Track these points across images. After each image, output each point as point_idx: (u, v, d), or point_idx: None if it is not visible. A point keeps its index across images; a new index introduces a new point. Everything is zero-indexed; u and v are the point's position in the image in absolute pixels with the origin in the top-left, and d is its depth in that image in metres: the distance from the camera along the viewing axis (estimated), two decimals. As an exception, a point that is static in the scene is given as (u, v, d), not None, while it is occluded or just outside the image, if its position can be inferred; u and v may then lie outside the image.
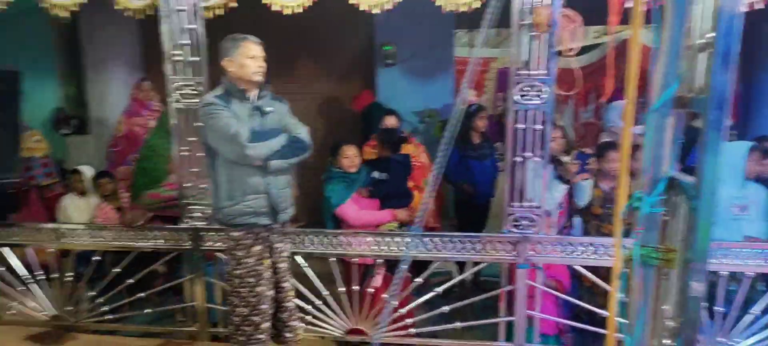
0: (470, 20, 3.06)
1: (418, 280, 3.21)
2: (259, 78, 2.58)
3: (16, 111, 3.75)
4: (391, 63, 5.37)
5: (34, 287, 3.58)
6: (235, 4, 2.95)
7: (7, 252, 3.55)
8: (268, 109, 2.62)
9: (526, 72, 2.80)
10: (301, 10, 2.87)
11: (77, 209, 4.38)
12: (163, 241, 3.36)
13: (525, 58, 2.79)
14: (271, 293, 2.73)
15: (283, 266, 2.82)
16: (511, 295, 3.11)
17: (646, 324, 1.56)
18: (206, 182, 3.15)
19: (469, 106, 4.26)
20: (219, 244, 3.25)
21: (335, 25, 4.98)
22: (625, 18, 2.04)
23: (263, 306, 2.68)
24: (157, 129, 4.28)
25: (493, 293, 3.16)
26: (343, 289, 3.28)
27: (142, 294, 3.47)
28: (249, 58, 2.53)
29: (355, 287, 3.28)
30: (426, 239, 3.08)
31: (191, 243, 3.30)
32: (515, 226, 2.97)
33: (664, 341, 1.47)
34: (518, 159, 2.89)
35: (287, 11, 2.88)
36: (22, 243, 3.57)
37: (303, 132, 2.67)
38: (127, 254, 3.46)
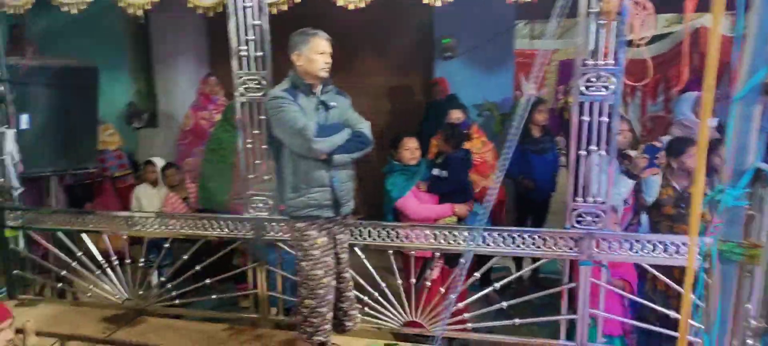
0: (531, 11, 2.99)
1: (476, 275, 3.18)
2: (325, 74, 2.62)
3: (94, 105, 3.99)
4: (450, 56, 5.33)
5: (110, 272, 3.79)
6: (298, 0, 3.01)
7: (86, 238, 3.77)
8: (332, 103, 2.66)
9: (593, 62, 2.70)
10: (363, 5, 2.89)
11: (149, 198, 4.61)
12: (227, 230, 3.48)
13: (592, 48, 2.69)
14: (334, 283, 2.77)
15: (345, 256, 2.87)
16: (572, 293, 3.02)
17: (725, 324, 1.48)
18: (269, 174, 3.25)
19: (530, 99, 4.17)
20: (281, 234, 3.34)
21: (393, 19, 4.99)
22: (702, 4, 1.94)
23: (329, 297, 2.73)
24: (222, 122, 4.43)
25: (554, 290, 3.08)
26: (401, 282, 3.29)
27: (208, 281, 3.61)
28: (318, 53, 2.58)
29: (413, 280, 3.29)
30: (485, 234, 3.03)
31: (254, 232, 3.40)
32: (579, 221, 2.88)
33: (747, 341, 1.39)
34: (583, 153, 2.80)
35: (351, 6, 2.91)
36: (98, 230, 3.79)
37: (365, 127, 2.72)
38: (196, 242, 3.61)
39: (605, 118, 2.73)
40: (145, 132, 5.80)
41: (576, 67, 2.76)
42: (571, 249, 2.92)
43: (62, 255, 3.80)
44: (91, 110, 4.05)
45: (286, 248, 3.35)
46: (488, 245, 3.02)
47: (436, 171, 3.56)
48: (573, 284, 2.99)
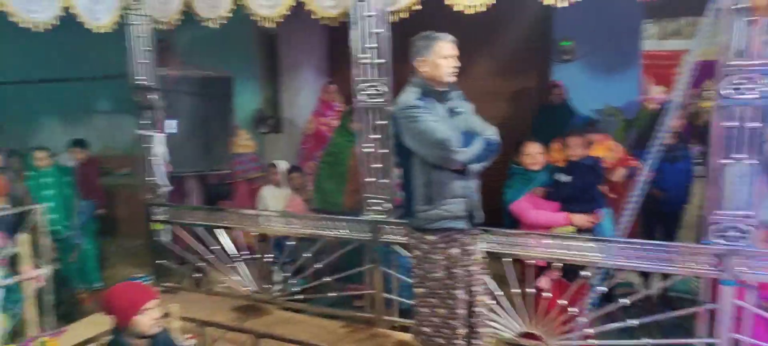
0: (661, 9, 2.78)
1: (602, 289, 3.02)
2: (452, 79, 2.55)
3: (230, 112, 4.36)
4: (569, 58, 5.12)
5: (241, 266, 4.10)
6: (419, 7, 3.06)
7: (221, 233, 4.12)
8: (459, 109, 2.60)
9: (740, 63, 2.46)
10: (484, 9, 2.88)
11: (273, 199, 4.92)
12: (346, 231, 3.62)
13: (739, 47, 2.45)
14: (466, 296, 2.67)
15: (475, 269, 2.74)
16: (711, 314, 2.76)
17: None
18: (387, 179, 3.34)
19: (662, 105, 3.89)
20: (396, 237, 3.41)
21: (510, 21, 4.91)
22: None
23: (460, 311, 2.63)
24: (339, 128, 4.62)
25: (692, 310, 2.84)
26: (518, 290, 3.21)
27: (328, 278, 3.77)
28: (443, 57, 2.51)
29: (531, 290, 3.19)
30: (610, 246, 2.87)
31: (371, 235, 3.50)
32: (720, 237, 2.62)
33: None
34: (726, 161, 2.55)
35: (470, 11, 2.90)
36: (231, 226, 4.12)
37: (493, 133, 2.60)
38: (316, 241, 3.80)
39: (754, 124, 2.48)
40: (270, 137, 6.20)
41: (718, 69, 2.53)
42: (712, 267, 2.67)
43: (200, 248, 4.17)
44: (227, 117, 4.43)
45: (401, 251, 3.42)
46: (615, 258, 2.86)
47: (558, 176, 3.43)
48: (713, 306, 2.73)
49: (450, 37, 2.56)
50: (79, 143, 5.37)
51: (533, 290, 3.17)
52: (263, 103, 6.37)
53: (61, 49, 5.39)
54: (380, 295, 3.56)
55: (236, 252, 4.08)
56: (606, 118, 5.10)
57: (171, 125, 4.16)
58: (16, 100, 6.93)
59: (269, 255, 4.01)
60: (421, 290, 2.70)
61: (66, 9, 3.60)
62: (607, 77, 5.18)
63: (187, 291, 4.33)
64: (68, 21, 3.71)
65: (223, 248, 4.10)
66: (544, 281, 3.23)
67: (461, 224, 2.59)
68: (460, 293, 2.63)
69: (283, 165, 4.98)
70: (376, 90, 3.21)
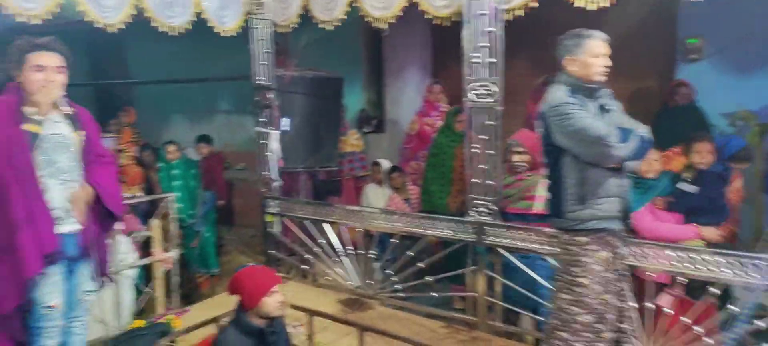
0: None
1: (734, 308, 2.75)
2: (602, 78, 2.45)
3: (339, 112, 4.52)
4: (696, 58, 4.72)
5: (345, 260, 4.23)
6: (535, 4, 2.98)
7: (328, 228, 4.27)
8: (609, 107, 2.50)
9: None
10: (607, 5, 2.74)
11: (376, 196, 5.04)
12: (450, 231, 3.61)
13: None
14: (616, 302, 2.54)
15: (626, 273, 2.62)
16: None
17: None
18: (493, 180, 3.28)
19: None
20: (500, 240, 3.34)
21: (631, 19, 4.61)
22: None
23: (610, 316, 2.51)
24: (443, 128, 4.62)
25: None
26: (635, 305, 3.01)
27: (430, 278, 3.78)
28: (593, 56, 2.41)
29: (649, 305, 2.98)
30: (744, 261, 2.61)
31: (475, 236, 3.46)
32: None
33: None
34: None
35: (591, 6, 2.78)
36: (337, 221, 4.25)
37: (645, 131, 2.46)
38: (419, 240, 3.82)
39: None
40: (373, 137, 6.35)
41: None
42: None
43: (308, 241, 4.36)
44: (335, 116, 4.60)
45: (506, 254, 3.35)
46: (750, 275, 2.59)
47: (683, 185, 3.18)
48: None
49: (602, 35, 2.45)
50: (205, 139, 5.83)
51: (652, 306, 2.97)
52: (367, 104, 6.53)
53: (192, 52, 5.88)
54: (483, 298, 3.51)
55: (341, 247, 4.22)
56: (737, 122, 4.64)
57: (285, 123, 4.39)
58: (152, 98, 7.70)
59: (372, 252, 4.10)
60: (566, 295, 2.54)
61: (198, 14, 3.93)
62: (739, 78, 4.71)
63: (295, 281, 4.54)
64: (198, 25, 4.05)
65: (329, 242, 4.25)
66: (665, 299, 3.00)
67: (614, 225, 2.47)
68: (611, 298, 2.50)
69: (386, 164, 5.07)
70: (487, 90, 3.18)
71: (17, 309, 2.46)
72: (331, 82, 4.51)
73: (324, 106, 4.47)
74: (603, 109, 2.47)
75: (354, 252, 4.17)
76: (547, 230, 3.14)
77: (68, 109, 2.53)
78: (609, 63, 2.43)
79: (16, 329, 2.52)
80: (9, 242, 2.34)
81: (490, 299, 3.51)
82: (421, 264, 3.82)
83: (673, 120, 4.38)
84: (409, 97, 6.12)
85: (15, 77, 2.43)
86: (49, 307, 2.47)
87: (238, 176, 6.77)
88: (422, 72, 6.19)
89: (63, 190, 2.49)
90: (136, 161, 5.30)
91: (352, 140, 5.49)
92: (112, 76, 7.67)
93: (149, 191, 5.03)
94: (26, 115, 2.38)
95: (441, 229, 3.66)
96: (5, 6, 2.96)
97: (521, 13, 3.05)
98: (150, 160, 5.20)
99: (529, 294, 3.30)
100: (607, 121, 2.42)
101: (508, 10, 3.07)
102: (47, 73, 2.41)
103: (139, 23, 3.58)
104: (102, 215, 2.64)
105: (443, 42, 5.88)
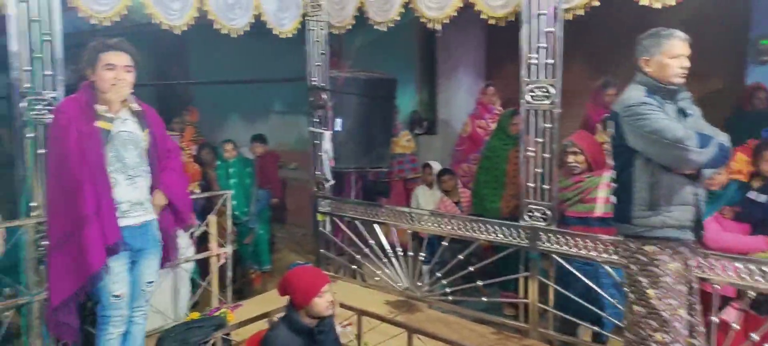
0: None
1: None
2: (680, 80, 2.35)
3: (392, 114, 4.53)
4: (768, 60, 4.46)
5: (394, 261, 4.23)
6: (597, 3, 2.89)
7: (377, 229, 4.28)
8: (690, 111, 2.39)
9: None
10: (673, 3, 2.62)
11: (426, 199, 5.01)
12: (502, 236, 3.54)
13: None
14: (688, 316, 2.43)
15: (696, 286, 2.51)
16: None
17: None
18: (549, 184, 3.20)
19: None
20: (555, 246, 3.25)
21: (698, 19, 4.40)
22: None
23: (684, 332, 2.40)
24: (497, 131, 4.54)
25: None
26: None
27: (480, 282, 3.73)
28: (672, 57, 2.32)
29: (714, 319, 2.82)
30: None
31: (528, 242, 3.39)
32: None
33: None
34: None
35: (656, 4, 2.67)
36: (386, 222, 4.25)
37: (725, 139, 2.34)
38: (470, 244, 3.77)
39: None
40: (425, 138, 6.33)
41: None
42: None
43: (358, 241, 4.38)
44: (389, 118, 4.61)
45: (561, 260, 3.25)
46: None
47: (752, 194, 3.00)
48: None
49: (682, 35, 2.35)
50: (260, 138, 5.97)
51: (716, 320, 2.81)
52: (419, 105, 6.52)
53: (248, 53, 6.05)
54: (535, 305, 3.43)
55: (390, 248, 4.22)
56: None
57: (338, 124, 4.43)
58: (211, 98, 7.97)
59: (422, 254, 4.08)
60: (640, 308, 2.43)
61: (257, 16, 4.03)
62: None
63: (344, 280, 4.57)
64: (255, 27, 4.15)
65: (378, 243, 4.26)
66: (731, 313, 2.84)
67: (687, 235, 2.36)
68: (684, 313, 2.39)
69: (437, 166, 5.04)
70: (544, 92, 3.10)
71: (73, 298, 2.56)
72: (385, 83, 4.52)
73: (377, 107, 4.48)
74: (682, 112, 2.36)
75: (403, 254, 4.17)
76: (608, 237, 3.04)
77: (136, 107, 2.66)
78: (687, 64, 2.32)
79: (72, 317, 2.63)
80: (74, 233, 2.46)
81: (543, 306, 3.42)
82: (471, 268, 3.78)
83: (748, 125, 4.14)
84: (461, 99, 6.07)
85: (88, 76, 2.57)
86: (117, 296, 2.60)
87: (290, 175, 6.91)
88: (475, 74, 6.13)
89: (129, 185, 2.61)
90: (195, 159, 5.49)
91: (403, 142, 5.49)
92: (174, 77, 8.00)
93: (206, 187, 5.19)
94: (98, 112, 2.51)
95: (493, 233, 3.60)
96: (78, 8, 3.13)
97: (582, 12, 2.95)
98: (209, 158, 5.37)
99: (588, 304, 3.19)
100: (690, 125, 2.31)
101: (568, 10, 2.99)
102: (117, 71, 2.53)
103: (200, 25, 3.70)
104: (172, 211, 2.83)
105: (497, 43, 5.80)
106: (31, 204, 3.00)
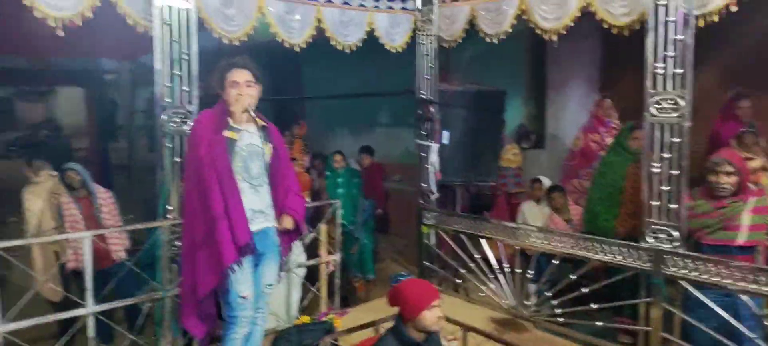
0: None
1: None
2: None
3: (500, 126, 4.45)
4: None
5: (501, 278, 4.12)
6: (735, 8, 2.65)
7: (484, 243, 4.21)
8: None
9: None
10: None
11: (533, 215, 4.84)
12: (620, 257, 3.33)
13: None
14: None
15: None
16: None
17: None
18: (677, 203, 2.97)
19: None
20: (683, 271, 3.00)
21: None
22: None
23: None
24: (615, 145, 4.29)
25: None
26: None
27: (594, 306, 3.52)
28: None
29: None
30: None
31: (651, 265, 3.16)
32: None
33: None
34: None
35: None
36: (492, 237, 4.15)
37: None
38: (582, 264, 3.59)
39: None
40: (532, 152, 6.14)
41: None
42: None
43: (462, 255, 4.33)
44: (496, 131, 4.54)
45: (690, 287, 2.99)
46: None
47: None
48: None
49: None
50: (367, 150, 6.13)
51: None
52: (526, 119, 6.35)
53: (356, 68, 6.26)
54: (658, 334, 3.18)
55: (496, 263, 4.12)
56: None
57: (444, 136, 4.44)
58: (321, 112, 8.35)
59: (529, 271, 3.94)
60: None
61: (369, 32, 4.17)
62: None
63: (447, 294, 4.53)
64: (365, 42, 4.28)
65: (484, 258, 4.18)
66: None
67: None
68: None
69: (546, 182, 4.87)
70: (673, 104, 2.89)
71: (212, 294, 2.82)
72: (493, 95, 4.47)
73: (485, 120, 4.44)
74: None
75: (510, 270, 4.05)
76: (749, 265, 2.76)
77: (261, 122, 2.85)
78: None
79: (210, 312, 2.90)
80: (209, 234, 2.69)
81: (667, 336, 3.16)
82: (583, 289, 3.58)
83: None
84: (572, 112, 5.83)
85: (219, 94, 2.81)
86: (243, 297, 2.78)
87: (394, 187, 7.01)
88: (588, 85, 5.86)
89: (253, 193, 2.81)
90: (306, 170, 5.75)
91: (509, 155, 5.37)
92: (288, 93, 8.46)
93: (315, 196, 5.41)
94: (227, 124, 2.73)
95: (609, 253, 3.40)
96: (212, 29, 3.42)
97: (716, 18, 2.72)
98: (319, 168, 5.60)
99: (722, 338, 2.90)
100: None
101: (701, 16, 2.77)
102: (240, 87, 2.76)
103: (312, 42, 3.89)
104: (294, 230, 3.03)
105: (614, 53, 5.51)
106: (168, 207, 3.30)
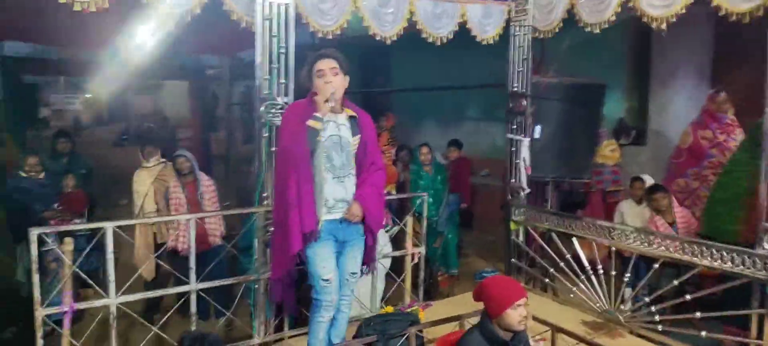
0: None
1: None
2: None
3: (596, 121, 4.23)
4: None
5: (593, 279, 3.93)
6: None
7: (575, 242, 4.03)
8: None
9: None
10: None
11: (633, 215, 4.57)
12: (730, 263, 3.07)
13: None
14: None
15: None
16: None
17: None
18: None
19: None
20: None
21: None
22: None
23: None
24: (745, 143, 3.93)
25: None
26: None
27: (699, 315, 3.27)
28: None
29: None
30: None
31: (766, 273, 2.88)
32: None
33: None
34: None
35: None
36: (584, 236, 3.96)
37: None
38: (687, 269, 3.34)
39: None
40: (632, 149, 5.79)
41: None
42: None
43: (552, 253, 4.17)
44: (593, 126, 4.32)
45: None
46: None
47: None
48: None
49: None
50: (455, 143, 6.07)
51: None
52: (627, 113, 6.00)
53: (444, 61, 6.21)
54: (772, 349, 2.89)
55: (588, 264, 3.93)
56: None
57: (536, 131, 4.30)
58: (409, 105, 8.38)
59: (627, 275, 3.73)
60: None
61: (461, 24, 4.11)
62: None
63: (535, 293, 4.40)
64: (455, 34, 4.22)
65: (576, 258, 4.01)
66: None
67: None
68: None
69: (649, 180, 4.57)
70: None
71: (288, 275, 2.95)
72: (591, 89, 4.25)
73: (581, 114, 4.23)
74: None
75: (603, 272, 3.86)
76: None
77: (352, 113, 2.89)
78: None
79: (288, 293, 3.03)
80: (284, 219, 2.80)
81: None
82: (687, 296, 3.34)
83: None
84: (678, 107, 5.43)
85: (309, 87, 2.89)
86: (326, 280, 2.87)
87: (480, 182, 6.89)
88: (698, 78, 5.42)
89: (336, 183, 2.85)
90: (393, 162, 5.79)
91: (606, 151, 5.09)
92: (377, 86, 8.58)
93: (399, 188, 5.44)
94: (313, 115, 2.78)
95: (718, 259, 3.14)
96: (309, 23, 3.54)
97: None
98: (405, 160, 5.62)
99: None
100: None
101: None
102: (325, 75, 2.81)
103: (402, 35, 3.90)
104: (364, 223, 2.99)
105: (728, 43, 5.05)
106: (263, 194, 3.47)
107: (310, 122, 2.76)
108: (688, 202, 4.51)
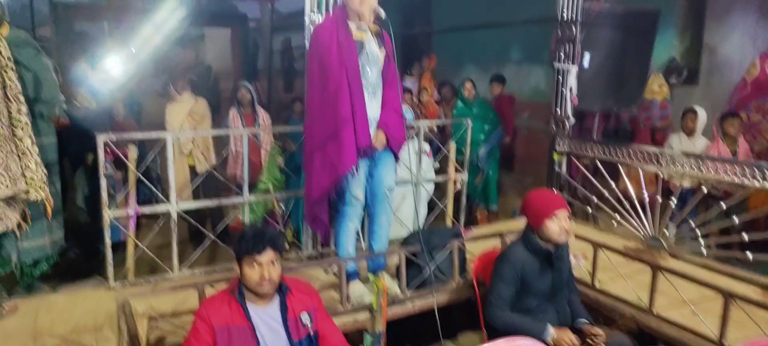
0: None
1: None
2: None
3: (648, 52, 4.10)
4: None
5: (638, 208, 3.85)
6: None
7: (621, 170, 3.96)
8: None
9: None
10: None
11: (683, 148, 4.47)
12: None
13: None
14: None
15: None
16: None
17: None
18: None
19: None
20: None
21: None
22: None
23: None
24: None
25: None
26: None
27: (749, 255, 3.21)
28: None
29: None
30: None
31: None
32: None
33: None
34: None
35: None
36: (633, 165, 3.89)
37: None
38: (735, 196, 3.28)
39: None
40: (682, 89, 5.61)
41: None
42: None
43: (597, 183, 4.14)
44: (644, 56, 4.19)
45: None
46: None
47: None
48: None
49: None
50: (498, 79, 5.98)
51: None
52: (678, 51, 5.78)
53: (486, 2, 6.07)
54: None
55: (633, 194, 3.90)
56: None
57: (585, 59, 4.22)
58: (449, 48, 8.27)
59: (673, 199, 3.68)
60: None
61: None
62: None
63: (579, 223, 4.39)
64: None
65: (622, 187, 3.98)
66: None
67: None
68: None
69: (702, 113, 4.44)
70: None
71: (327, 194, 2.94)
72: (644, 16, 4.11)
73: (632, 44, 4.11)
74: None
75: (648, 201, 3.82)
76: None
77: (377, 28, 2.85)
78: None
79: (325, 213, 3.03)
80: (333, 136, 2.77)
81: None
82: (735, 221, 3.29)
83: None
84: (734, 44, 5.20)
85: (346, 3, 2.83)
86: (355, 197, 2.94)
87: (523, 125, 6.82)
88: (759, 12, 5.15)
89: (370, 99, 2.85)
90: (436, 102, 5.77)
91: (654, 87, 4.95)
92: (417, 27, 8.48)
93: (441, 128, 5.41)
94: (351, 28, 2.77)
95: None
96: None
97: None
98: (448, 95, 5.59)
99: None
100: None
101: None
102: None
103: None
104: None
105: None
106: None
107: (358, 33, 2.75)
108: (748, 136, 4.37)
